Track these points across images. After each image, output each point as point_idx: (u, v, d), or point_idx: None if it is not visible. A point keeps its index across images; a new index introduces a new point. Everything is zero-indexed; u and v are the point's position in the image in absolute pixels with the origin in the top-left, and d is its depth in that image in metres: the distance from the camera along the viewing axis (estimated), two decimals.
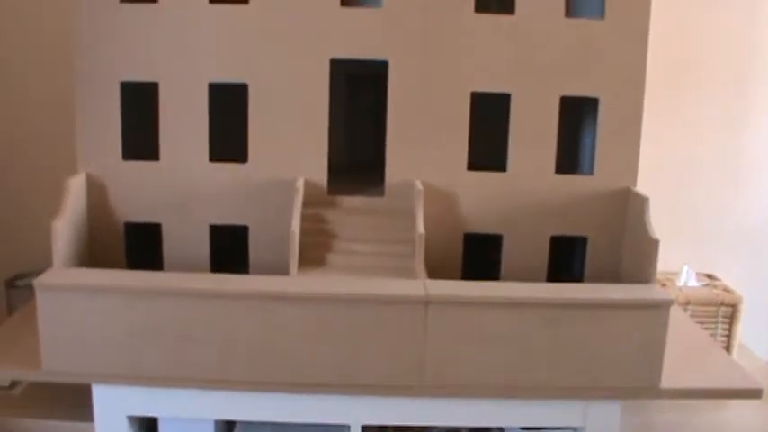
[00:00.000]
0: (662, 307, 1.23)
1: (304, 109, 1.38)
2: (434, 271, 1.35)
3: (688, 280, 1.85)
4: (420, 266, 1.30)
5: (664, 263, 1.38)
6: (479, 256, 1.44)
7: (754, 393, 1.26)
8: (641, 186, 1.44)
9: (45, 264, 1.31)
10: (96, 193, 1.42)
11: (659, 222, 1.40)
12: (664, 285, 1.82)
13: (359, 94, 1.61)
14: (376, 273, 1.31)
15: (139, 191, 1.42)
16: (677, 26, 1.81)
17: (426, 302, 1.20)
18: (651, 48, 1.40)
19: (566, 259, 1.49)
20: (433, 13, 1.37)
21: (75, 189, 1.37)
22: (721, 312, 1.80)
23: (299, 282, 1.25)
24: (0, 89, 1.85)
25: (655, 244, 1.32)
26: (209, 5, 1.37)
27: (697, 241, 2.00)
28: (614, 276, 1.42)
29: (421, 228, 1.30)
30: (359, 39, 1.37)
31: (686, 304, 1.77)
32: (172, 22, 1.38)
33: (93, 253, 1.42)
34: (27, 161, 1.87)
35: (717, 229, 2.02)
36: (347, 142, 1.65)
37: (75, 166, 1.43)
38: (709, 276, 1.92)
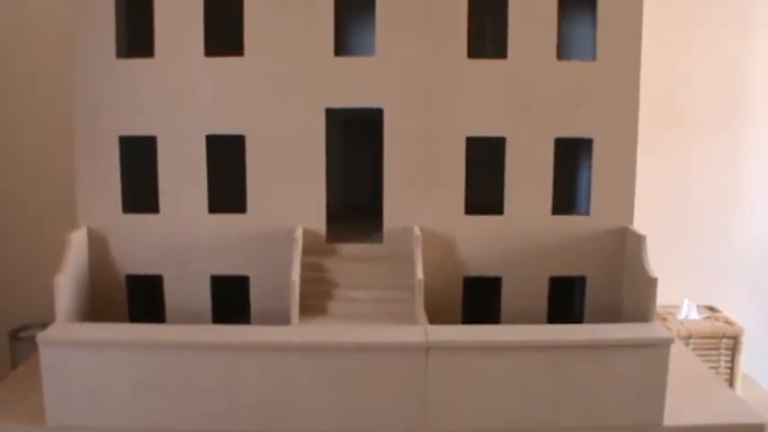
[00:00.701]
0: (662, 345, 1.24)
1: (301, 159, 1.40)
2: (435, 315, 1.36)
3: (689, 313, 1.85)
4: (420, 312, 1.30)
5: (664, 296, 1.39)
6: (479, 298, 1.44)
7: (758, 429, 1.26)
8: (639, 221, 1.45)
9: (47, 314, 1.31)
10: (97, 247, 1.43)
11: (658, 255, 1.40)
12: (665, 319, 1.83)
13: (355, 137, 1.62)
14: (376, 319, 1.32)
15: (140, 243, 1.43)
16: (669, 61, 1.82)
17: (427, 349, 1.21)
18: (644, 83, 1.41)
19: (565, 299, 1.49)
20: (427, 59, 1.38)
21: (76, 243, 1.38)
22: (723, 345, 1.81)
23: (300, 331, 1.26)
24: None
25: (653, 282, 1.33)
26: (205, 58, 1.38)
27: (696, 273, 2.01)
28: (614, 315, 1.43)
29: (420, 273, 1.31)
30: (353, 87, 1.39)
31: (688, 338, 1.78)
32: (168, 76, 1.39)
33: (95, 305, 1.43)
34: (28, 213, 1.88)
35: (716, 260, 2.03)
36: (344, 186, 1.66)
37: (75, 218, 1.42)
38: (710, 308, 1.93)
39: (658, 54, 1.69)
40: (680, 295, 1.88)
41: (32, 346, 1.25)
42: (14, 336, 1.84)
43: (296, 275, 1.30)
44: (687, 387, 1.34)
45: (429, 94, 1.38)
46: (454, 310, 1.42)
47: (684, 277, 1.96)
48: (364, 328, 1.27)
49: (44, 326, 1.25)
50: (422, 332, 1.24)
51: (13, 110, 1.83)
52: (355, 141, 1.63)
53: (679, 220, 1.96)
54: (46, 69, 1.82)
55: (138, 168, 1.44)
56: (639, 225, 1.44)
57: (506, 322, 1.43)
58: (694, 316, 1.86)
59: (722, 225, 1.99)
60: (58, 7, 1.76)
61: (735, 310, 1.90)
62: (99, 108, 1.40)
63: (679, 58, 1.87)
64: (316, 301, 1.35)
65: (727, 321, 1.85)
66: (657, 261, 1.38)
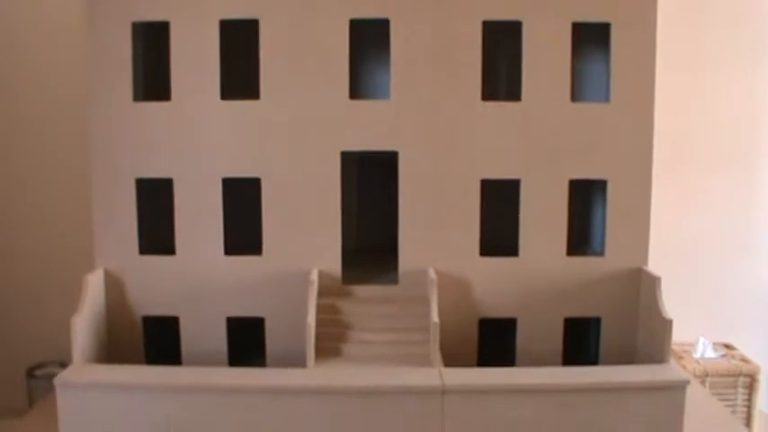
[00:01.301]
0: (678, 388, 1.24)
1: (316, 201, 1.41)
2: (450, 357, 1.36)
3: (705, 351, 1.85)
4: (435, 355, 1.31)
5: (680, 334, 1.39)
6: (494, 340, 1.44)
7: None
8: (654, 258, 1.45)
9: (64, 352, 1.32)
10: (114, 288, 1.44)
11: (673, 293, 1.41)
12: (680, 358, 1.82)
13: (370, 175, 1.63)
14: (392, 362, 1.32)
15: (156, 285, 1.44)
16: (683, 100, 1.83)
17: (442, 392, 1.21)
18: (658, 120, 1.42)
19: (580, 340, 1.49)
20: (441, 102, 1.39)
21: (93, 285, 1.39)
22: (740, 383, 1.80)
23: (316, 375, 1.26)
24: (17, 183, 1.87)
25: (668, 324, 1.33)
26: (221, 102, 1.39)
27: (712, 310, 2.00)
28: (629, 356, 1.43)
29: (435, 316, 1.31)
30: (368, 131, 1.40)
31: (704, 376, 1.77)
32: (184, 119, 1.41)
33: (111, 346, 1.44)
34: (45, 251, 1.89)
35: (732, 297, 2.02)
36: (359, 224, 1.67)
37: (92, 254, 1.44)
38: (727, 346, 1.92)
39: (673, 91, 1.69)
40: (696, 333, 1.88)
41: (49, 383, 1.26)
42: (31, 374, 1.85)
43: (312, 318, 1.31)
44: (704, 427, 1.34)
45: (443, 137, 1.39)
46: (469, 351, 1.42)
47: (700, 314, 1.95)
48: (380, 371, 1.27)
49: (61, 364, 1.26)
50: (437, 375, 1.24)
51: (31, 151, 1.84)
52: (370, 179, 1.63)
53: (695, 257, 1.96)
54: (62, 110, 1.83)
55: (155, 210, 1.44)
56: (655, 262, 1.44)
57: (521, 363, 1.43)
58: (710, 354, 1.86)
59: (738, 262, 1.99)
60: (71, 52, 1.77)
61: (751, 348, 1.89)
62: (115, 151, 1.41)
63: (694, 96, 1.87)
64: (331, 343, 1.35)
65: (744, 359, 1.85)
66: (673, 298, 1.39)
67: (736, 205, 1.96)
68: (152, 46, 1.45)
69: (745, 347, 1.91)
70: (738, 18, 1.82)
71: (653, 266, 1.44)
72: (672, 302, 1.37)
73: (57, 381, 1.23)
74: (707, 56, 1.85)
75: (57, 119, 1.85)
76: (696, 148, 1.91)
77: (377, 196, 1.64)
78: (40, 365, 1.86)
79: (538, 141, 1.40)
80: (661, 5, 1.42)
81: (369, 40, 1.46)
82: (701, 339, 1.87)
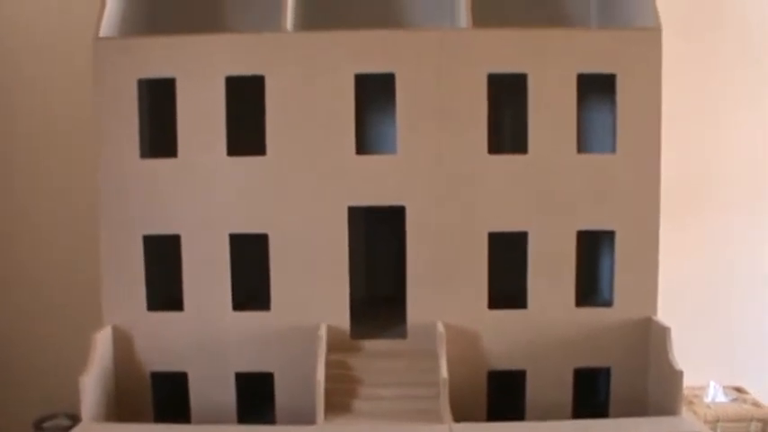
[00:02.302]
0: None
1: (324, 256, 1.41)
2: (460, 410, 1.36)
3: (716, 396, 1.84)
4: (445, 411, 1.31)
5: (690, 377, 1.38)
6: (504, 392, 1.44)
7: None
8: (664, 302, 1.44)
9: (72, 403, 1.35)
10: (122, 345, 1.44)
11: (683, 337, 1.40)
12: (691, 402, 1.81)
13: (376, 225, 1.63)
14: (401, 418, 1.32)
15: (165, 341, 1.44)
16: (690, 141, 1.83)
17: None
18: (665, 164, 1.41)
19: (590, 391, 1.48)
20: (448, 155, 1.40)
21: (102, 342, 1.39)
22: (752, 428, 1.79)
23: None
24: (26, 236, 1.87)
25: (679, 375, 1.33)
26: (228, 158, 1.39)
27: (723, 354, 1.99)
28: (640, 407, 1.43)
29: (444, 372, 1.31)
30: (375, 186, 1.40)
31: (715, 422, 1.76)
32: (191, 176, 1.41)
33: (120, 402, 1.45)
34: (53, 306, 1.89)
35: (743, 340, 2.01)
36: (367, 274, 1.66)
37: (99, 304, 1.44)
38: (738, 390, 1.91)
39: (681, 134, 1.69)
40: (706, 376, 1.87)
41: None
42: (39, 426, 1.84)
43: (321, 375, 1.31)
44: None
45: (450, 191, 1.39)
46: (479, 404, 1.42)
47: (711, 358, 1.94)
48: (389, 428, 1.26)
49: (69, 416, 1.26)
50: (447, 431, 1.23)
51: (39, 204, 1.84)
52: (378, 230, 1.63)
53: (704, 300, 1.95)
54: (68, 166, 1.84)
55: (163, 266, 1.45)
56: (664, 305, 1.44)
57: (531, 415, 1.43)
58: (722, 398, 1.84)
59: (749, 304, 1.98)
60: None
61: (764, 392, 1.88)
62: (123, 207, 1.42)
63: (702, 138, 1.87)
64: (341, 399, 1.35)
65: (756, 404, 1.83)
66: (683, 342, 1.37)
67: (745, 247, 1.95)
68: (158, 102, 1.45)
69: (758, 391, 1.90)
70: (746, 60, 1.82)
71: (663, 310, 1.43)
72: (682, 345, 1.36)
73: None
74: (715, 98, 1.85)
75: (62, 172, 1.84)
76: (705, 191, 1.90)
77: (385, 246, 1.64)
78: (49, 417, 1.85)
79: (545, 193, 1.40)
80: (666, 49, 1.41)
81: (374, 94, 1.46)
82: (712, 383, 1.86)
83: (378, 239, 1.67)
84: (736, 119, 1.83)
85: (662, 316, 1.45)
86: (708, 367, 1.86)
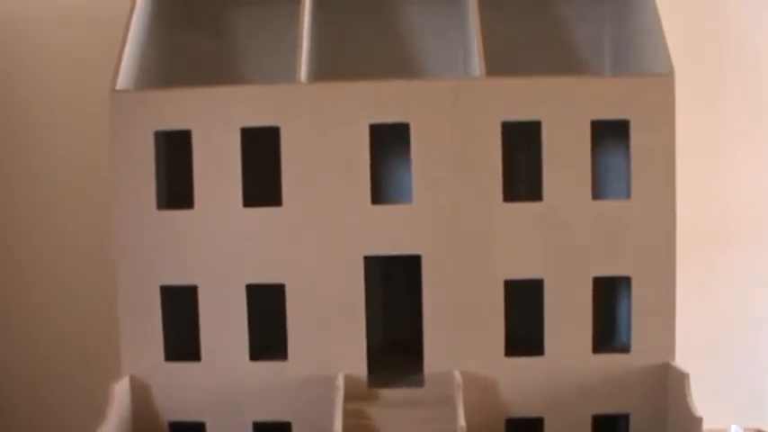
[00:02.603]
0: None
1: (341, 306, 1.42)
2: None
3: None
4: None
5: (711, 421, 1.37)
6: None
7: None
8: (683, 347, 1.44)
9: None
10: (140, 394, 1.45)
11: (702, 379, 1.39)
12: None
13: (393, 271, 1.63)
14: None
15: (183, 391, 1.45)
16: (705, 184, 1.82)
17: None
18: (681, 206, 1.41)
19: None
20: (463, 204, 1.40)
21: (120, 392, 1.40)
22: None
23: None
24: (42, 289, 1.88)
25: (698, 422, 1.32)
26: (244, 209, 1.40)
27: (743, 395, 1.98)
28: None
29: (461, 420, 1.32)
30: (391, 235, 1.41)
31: None
32: (208, 227, 1.42)
33: None
34: (69, 361, 1.90)
35: (761, 381, 2.00)
36: (384, 319, 1.66)
37: (116, 364, 1.44)
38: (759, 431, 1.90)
39: (692, 174, 1.69)
40: (726, 417, 1.85)
41: None
42: None
43: (338, 425, 1.31)
44: None
45: (466, 239, 1.40)
46: None
47: (730, 399, 1.93)
48: None
49: None
50: None
51: (55, 255, 1.85)
52: (393, 275, 1.63)
53: (722, 341, 1.94)
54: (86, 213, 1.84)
55: (180, 316, 1.46)
56: (682, 346, 1.45)
57: None
58: None
59: (766, 347, 1.97)
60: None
61: None
62: (140, 258, 1.42)
63: (713, 178, 1.86)
64: None
65: None
66: (702, 383, 1.36)
67: (761, 286, 1.94)
68: (175, 154, 1.46)
69: None
70: (754, 101, 1.82)
71: (681, 353, 1.42)
72: (701, 387, 1.34)
73: None
74: (724, 139, 1.85)
75: (77, 224, 1.85)
76: (716, 229, 1.90)
77: (401, 291, 1.65)
78: None
79: (560, 240, 1.40)
80: (678, 95, 1.41)
81: (389, 142, 1.46)
82: (734, 427, 1.84)
83: (394, 285, 1.67)
84: (745, 160, 1.82)
85: (680, 360, 1.42)
86: (727, 409, 1.84)
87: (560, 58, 1.67)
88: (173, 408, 1.46)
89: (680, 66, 1.47)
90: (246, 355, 1.44)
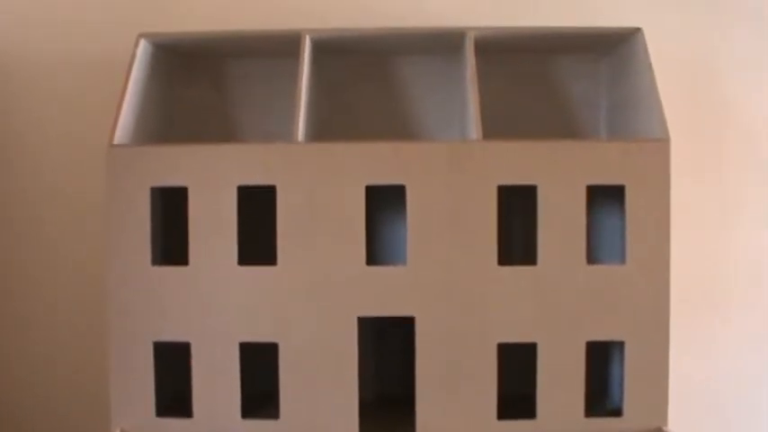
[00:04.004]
0: None
1: (334, 366, 1.42)
2: None
3: None
4: None
5: None
6: None
7: None
8: (677, 410, 1.46)
9: None
10: None
11: None
12: None
13: (387, 331, 1.64)
14: None
15: None
16: (700, 247, 1.83)
17: None
18: (677, 270, 1.42)
19: None
20: (457, 267, 1.40)
21: None
22: None
23: None
24: (36, 347, 1.88)
25: None
26: (238, 267, 1.40)
27: None
28: None
29: None
30: (385, 297, 1.41)
31: None
32: (202, 284, 1.42)
33: None
34: (59, 412, 1.89)
35: None
36: (376, 376, 1.67)
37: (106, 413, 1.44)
38: None
39: (688, 236, 1.70)
40: None
41: None
42: None
43: None
44: None
45: (460, 302, 1.40)
46: None
47: None
48: None
49: None
50: None
51: (47, 309, 1.85)
52: (387, 334, 1.64)
53: (717, 405, 1.94)
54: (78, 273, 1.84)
55: (172, 372, 1.47)
56: (675, 408, 1.46)
57: None
58: None
59: (763, 407, 1.97)
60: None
61: None
62: (133, 314, 1.42)
63: (710, 240, 1.87)
64: None
65: None
66: None
67: (758, 350, 1.94)
68: (170, 210, 1.46)
69: None
70: (751, 165, 1.83)
71: (674, 417, 1.44)
72: None
73: None
74: (721, 202, 1.85)
75: (72, 277, 1.85)
76: (713, 294, 1.90)
77: (395, 349, 1.69)
78: None
79: (554, 304, 1.40)
80: (674, 156, 1.42)
81: (384, 203, 1.47)
82: None
83: (387, 341, 1.67)
84: (743, 221, 1.83)
85: (672, 425, 1.43)
86: None
87: (556, 116, 1.69)
88: None
89: (676, 129, 1.47)
90: (239, 413, 1.44)
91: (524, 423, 1.44)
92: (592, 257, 1.45)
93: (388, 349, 1.68)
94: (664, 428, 1.43)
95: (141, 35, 1.55)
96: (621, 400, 1.46)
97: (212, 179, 1.42)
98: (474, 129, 1.41)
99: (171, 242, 1.48)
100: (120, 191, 1.43)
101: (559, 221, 1.41)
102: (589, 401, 1.46)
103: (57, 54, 1.80)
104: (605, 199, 1.53)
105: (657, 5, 1.76)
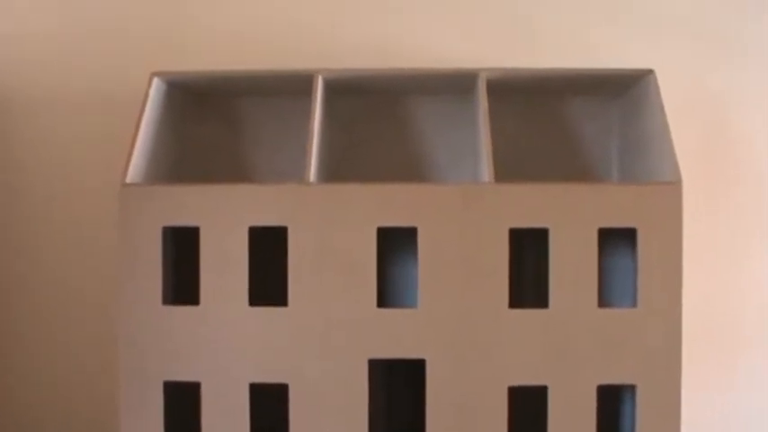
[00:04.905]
0: None
1: (344, 408, 1.42)
2: None
3: None
4: None
5: None
6: None
7: None
8: None
9: None
10: None
11: None
12: None
13: (397, 371, 1.63)
14: None
15: None
16: (712, 288, 1.82)
17: None
18: (692, 311, 1.41)
19: None
20: (468, 310, 1.40)
21: None
22: None
23: None
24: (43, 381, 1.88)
25: None
26: (249, 308, 1.40)
27: None
28: None
29: None
30: (396, 339, 1.41)
31: None
32: (213, 324, 1.42)
33: None
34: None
35: None
36: (387, 416, 1.66)
37: None
38: None
39: (700, 276, 1.69)
40: None
41: None
42: None
43: None
44: None
45: (471, 345, 1.40)
46: None
47: None
48: None
49: None
50: None
51: (57, 345, 1.85)
52: (397, 372, 1.63)
53: None
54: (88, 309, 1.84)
55: (182, 412, 1.47)
56: None
57: None
58: None
59: None
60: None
61: None
62: (144, 353, 1.42)
63: (722, 281, 1.86)
64: None
65: None
66: None
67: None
68: (182, 250, 1.46)
69: None
70: (764, 205, 1.83)
71: None
72: None
73: None
74: (734, 243, 1.85)
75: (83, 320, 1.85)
76: (724, 335, 1.89)
77: (405, 390, 1.66)
78: None
79: (565, 348, 1.40)
80: (686, 197, 1.41)
81: (396, 246, 1.46)
82: None
83: (398, 381, 1.66)
84: (755, 262, 1.82)
85: None
86: None
87: (568, 157, 1.69)
88: None
89: (688, 170, 1.47)
90: None
91: None
92: (603, 300, 1.44)
93: (398, 386, 1.66)
94: None
95: (154, 74, 1.56)
96: None
97: (224, 219, 1.42)
98: (486, 171, 1.41)
99: (182, 282, 1.48)
100: (132, 230, 1.43)
101: (571, 264, 1.41)
102: None
103: (68, 92, 1.81)
104: (617, 242, 1.52)
105: (669, 47, 1.76)
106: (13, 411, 1.83)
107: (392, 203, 1.41)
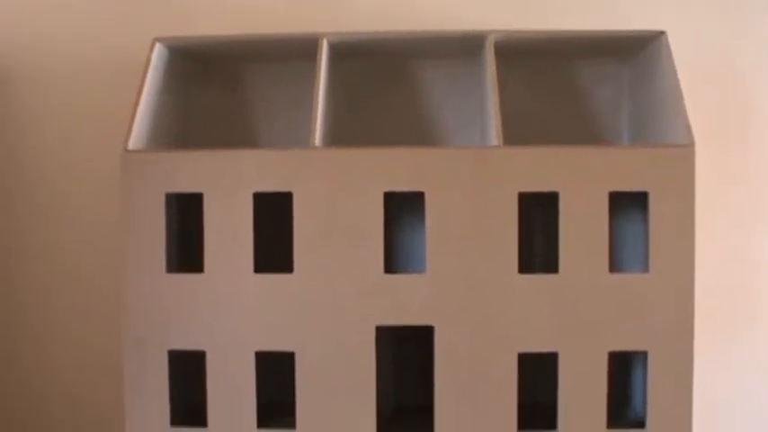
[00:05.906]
0: None
1: (351, 375, 1.40)
2: None
3: None
4: None
5: None
6: None
7: None
8: (700, 423, 1.41)
9: None
10: None
11: None
12: None
13: (405, 338, 1.61)
14: None
15: None
16: (725, 253, 1.79)
17: None
18: (702, 278, 1.38)
19: None
20: (477, 275, 1.37)
21: None
22: None
23: None
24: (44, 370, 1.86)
25: None
26: (254, 275, 1.38)
27: None
28: None
29: None
30: (403, 306, 1.38)
31: None
32: (218, 291, 1.40)
33: None
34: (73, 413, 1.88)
35: None
36: (395, 386, 1.66)
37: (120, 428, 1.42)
38: None
39: (713, 246, 1.67)
40: None
41: None
42: None
43: None
44: None
45: (479, 311, 1.37)
46: None
47: None
48: None
49: None
50: None
51: (58, 341, 1.83)
52: (406, 342, 1.62)
53: (740, 418, 1.91)
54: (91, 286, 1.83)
55: (187, 381, 1.46)
56: (700, 422, 1.45)
57: None
58: None
59: None
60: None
61: None
62: (147, 322, 1.40)
63: (737, 249, 1.83)
64: None
65: None
66: None
67: None
68: (186, 217, 1.44)
69: None
70: None
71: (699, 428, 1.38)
72: None
73: None
74: (747, 209, 1.82)
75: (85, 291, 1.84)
76: (738, 302, 1.87)
77: (414, 357, 1.66)
78: None
79: (576, 314, 1.38)
80: (699, 162, 1.39)
81: (403, 210, 1.44)
82: None
83: (406, 350, 1.64)
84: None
85: None
86: None
87: (578, 121, 1.66)
88: None
89: (700, 133, 1.44)
90: (254, 423, 1.42)
91: None
92: (614, 266, 1.42)
93: (406, 358, 1.64)
94: None
95: (157, 39, 1.53)
96: (644, 411, 1.43)
97: (228, 186, 1.40)
98: (494, 134, 1.39)
99: (186, 249, 1.46)
100: (134, 197, 1.41)
101: (581, 229, 1.38)
102: (611, 412, 1.43)
103: (71, 58, 1.78)
104: (628, 206, 1.50)
105: (681, 8, 1.73)
106: (17, 385, 1.81)
107: (399, 168, 1.39)
